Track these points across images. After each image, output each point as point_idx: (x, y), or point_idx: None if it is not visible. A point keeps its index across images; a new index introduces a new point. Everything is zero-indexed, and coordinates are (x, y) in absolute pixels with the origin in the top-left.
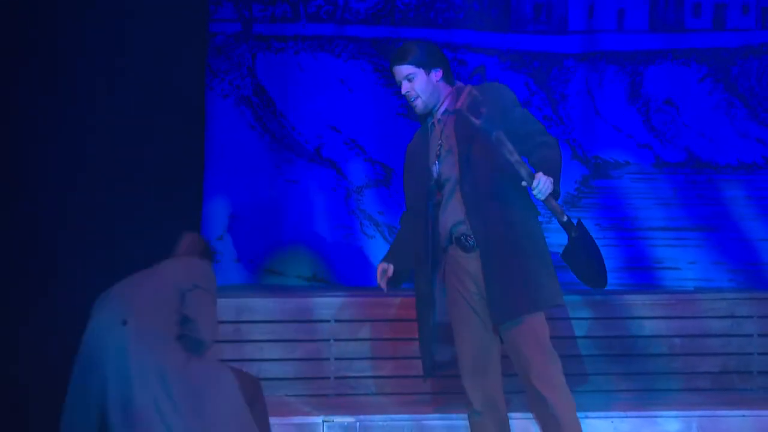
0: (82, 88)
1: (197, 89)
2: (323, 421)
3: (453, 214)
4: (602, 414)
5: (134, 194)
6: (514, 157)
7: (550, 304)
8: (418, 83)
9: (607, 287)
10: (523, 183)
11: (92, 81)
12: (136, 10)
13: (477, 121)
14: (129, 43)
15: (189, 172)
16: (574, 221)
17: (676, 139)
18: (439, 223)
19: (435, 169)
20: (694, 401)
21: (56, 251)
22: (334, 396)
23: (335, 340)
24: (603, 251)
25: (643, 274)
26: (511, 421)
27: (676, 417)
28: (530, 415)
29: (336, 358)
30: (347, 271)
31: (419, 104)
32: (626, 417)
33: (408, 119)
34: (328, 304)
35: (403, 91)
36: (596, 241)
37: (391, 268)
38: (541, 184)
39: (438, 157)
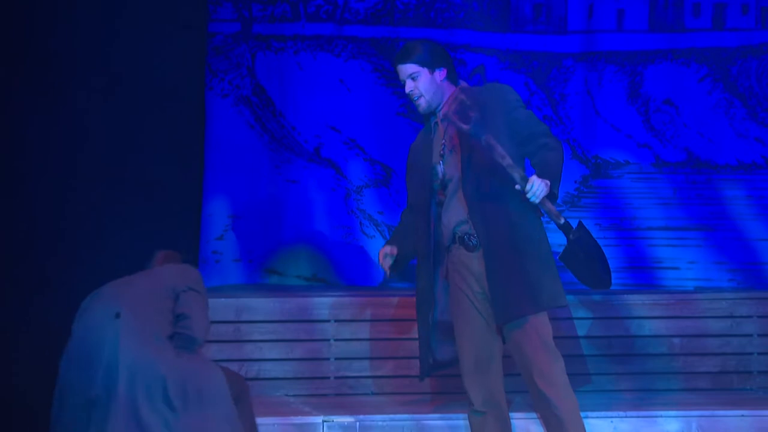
0: (81, 88)
1: (197, 89)
2: (323, 421)
3: (456, 213)
4: (602, 414)
5: (134, 194)
6: (506, 161)
7: (553, 304)
8: (421, 82)
9: (607, 288)
10: (517, 187)
11: (92, 81)
12: (135, 9)
13: (465, 127)
14: (128, 42)
15: (189, 172)
16: (575, 222)
17: (675, 138)
18: (442, 222)
19: (438, 168)
20: (694, 401)
21: (56, 251)
22: (334, 396)
23: (335, 340)
24: (603, 251)
25: (642, 274)
26: (512, 421)
27: (676, 417)
28: (531, 415)
29: (336, 358)
30: (347, 271)
31: (423, 103)
32: (626, 417)
33: (408, 119)
34: (328, 304)
35: (407, 90)
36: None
37: (395, 249)
38: (535, 188)
39: (441, 156)
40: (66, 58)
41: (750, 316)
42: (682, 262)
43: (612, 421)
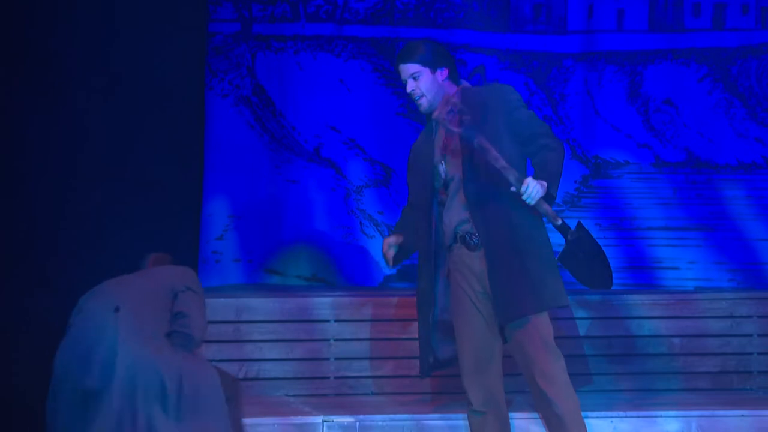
0: (81, 88)
1: (197, 89)
2: (323, 421)
3: (457, 212)
4: (602, 414)
5: (134, 194)
6: (500, 163)
7: (555, 303)
8: (423, 82)
9: (609, 288)
10: (512, 188)
11: (92, 81)
12: (135, 9)
13: (456, 130)
14: (128, 42)
15: (189, 172)
16: (574, 222)
17: (675, 138)
18: (444, 221)
19: (440, 168)
20: (694, 401)
21: (56, 251)
22: (334, 396)
23: (335, 340)
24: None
25: (642, 274)
26: (511, 421)
27: (676, 417)
28: (531, 414)
29: (336, 358)
30: (347, 271)
31: (424, 103)
32: (626, 417)
33: (408, 119)
34: (328, 304)
35: (408, 90)
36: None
37: (400, 237)
38: (530, 189)
39: (443, 156)
40: (66, 58)
41: (750, 316)
42: (682, 262)
43: (612, 421)
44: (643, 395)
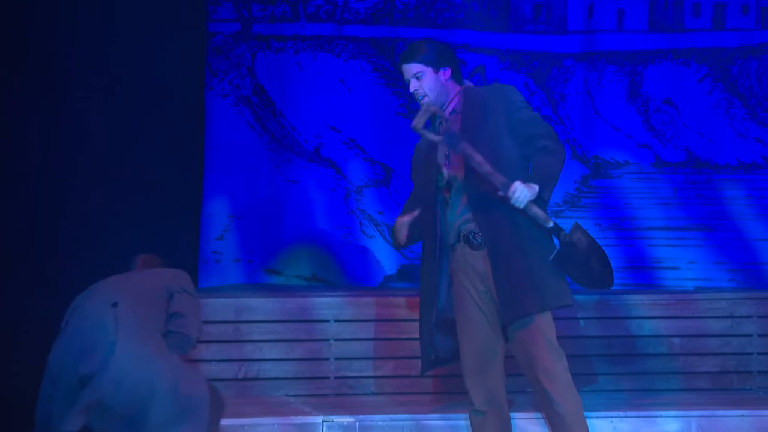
0: (81, 88)
1: (197, 89)
2: (323, 421)
3: (460, 212)
4: (602, 414)
5: (134, 194)
6: (485, 169)
7: (558, 303)
8: (426, 82)
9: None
10: (500, 193)
11: (92, 81)
12: (135, 9)
13: (437, 137)
14: (128, 42)
15: (189, 172)
16: (570, 224)
17: (675, 138)
18: (447, 220)
19: (443, 168)
20: (694, 401)
21: (56, 251)
22: (334, 396)
23: (335, 340)
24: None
25: (642, 273)
26: (512, 421)
27: (676, 417)
28: (531, 414)
29: (335, 358)
30: (347, 271)
31: (427, 103)
32: (626, 417)
33: (407, 119)
34: (328, 304)
35: (411, 90)
36: (596, 241)
37: (414, 214)
38: (517, 194)
39: (446, 156)
40: (66, 58)
41: (750, 316)
42: (682, 262)
43: (612, 421)
44: (643, 395)
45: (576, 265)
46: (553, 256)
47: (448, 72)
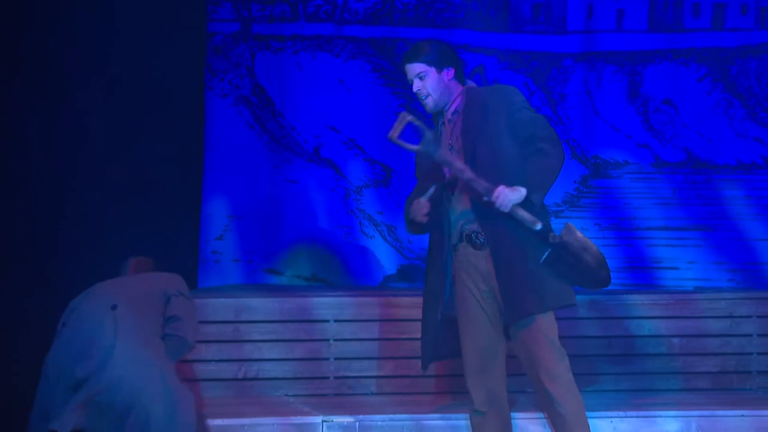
0: (81, 88)
1: (196, 89)
2: (322, 421)
3: (463, 212)
4: (602, 414)
5: (134, 194)
6: (466, 175)
7: (559, 303)
8: (429, 82)
9: (607, 287)
10: (484, 198)
11: (92, 81)
12: (135, 9)
13: (414, 147)
14: (128, 42)
15: (188, 172)
16: (574, 223)
17: (675, 138)
18: (450, 220)
19: (445, 169)
20: (694, 401)
21: (56, 251)
22: (334, 396)
23: (334, 340)
24: (602, 251)
25: (642, 273)
26: (513, 421)
27: (676, 417)
28: (531, 414)
29: (335, 358)
30: (347, 271)
31: (430, 102)
32: (625, 417)
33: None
34: (328, 304)
35: (414, 89)
36: (596, 241)
37: (431, 192)
38: (501, 198)
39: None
40: (66, 58)
41: (749, 316)
42: (682, 262)
43: (612, 421)
44: (643, 395)
45: (570, 267)
46: (543, 258)
47: (451, 72)
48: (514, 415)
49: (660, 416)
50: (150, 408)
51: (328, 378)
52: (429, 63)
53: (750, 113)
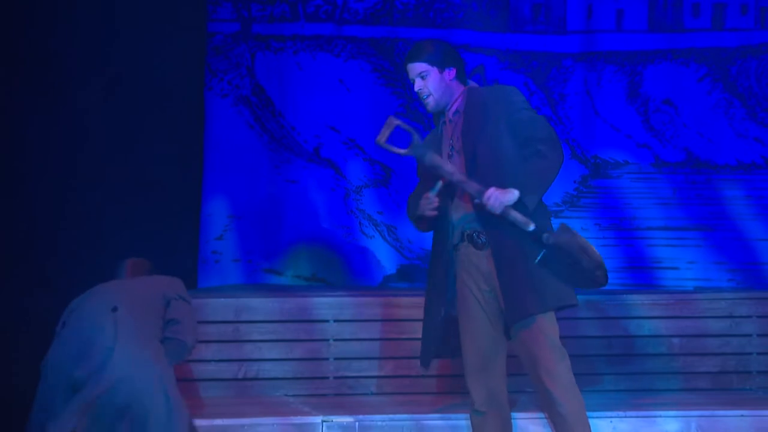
0: (81, 88)
1: (196, 89)
2: (322, 421)
3: (464, 212)
4: (601, 414)
5: (134, 194)
6: (456, 177)
7: (560, 304)
8: (430, 81)
9: (607, 287)
10: (475, 201)
11: (92, 81)
12: (135, 9)
13: (402, 151)
14: (128, 42)
15: (188, 172)
16: (574, 223)
17: (675, 138)
18: (451, 220)
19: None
20: (693, 401)
21: (56, 251)
22: (333, 396)
23: (334, 340)
24: (602, 251)
25: (642, 273)
26: (513, 421)
27: (675, 417)
28: (531, 414)
29: (335, 358)
30: (347, 271)
31: (431, 102)
32: (625, 417)
33: (407, 119)
34: (328, 304)
35: (416, 89)
36: (596, 241)
37: (440, 185)
38: (491, 201)
39: (449, 156)
40: (66, 58)
41: (749, 316)
42: (682, 262)
43: (611, 421)
44: (643, 395)
45: (565, 267)
46: (538, 259)
47: (453, 72)
48: (514, 415)
49: (660, 416)
50: (149, 409)
51: (327, 378)
52: (431, 62)
53: (750, 113)
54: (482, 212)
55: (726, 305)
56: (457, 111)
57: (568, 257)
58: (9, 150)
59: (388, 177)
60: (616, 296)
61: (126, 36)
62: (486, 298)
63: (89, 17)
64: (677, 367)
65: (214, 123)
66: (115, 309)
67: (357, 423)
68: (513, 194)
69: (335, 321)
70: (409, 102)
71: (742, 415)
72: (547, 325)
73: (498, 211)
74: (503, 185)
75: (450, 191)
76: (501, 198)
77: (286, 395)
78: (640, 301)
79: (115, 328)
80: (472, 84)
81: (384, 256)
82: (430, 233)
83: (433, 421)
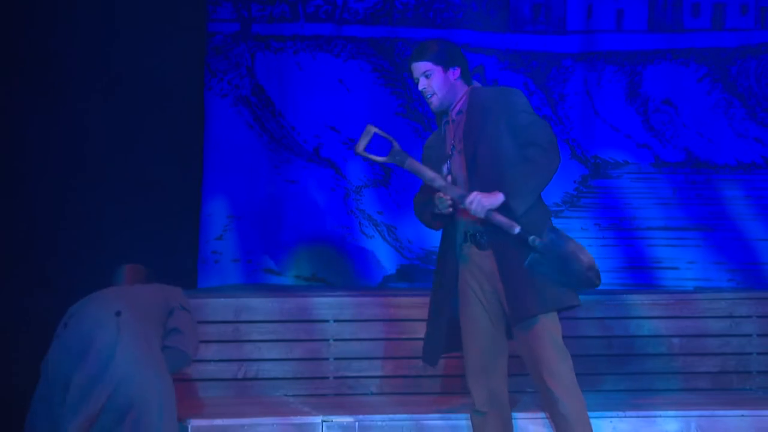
0: (81, 88)
1: (196, 89)
2: (322, 421)
3: (466, 211)
4: (601, 414)
5: (134, 194)
6: (437, 183)
7: (561, 304)
8: (435, 80)
9: (607, 287)
10: (460, 206)
11: (91, 81)
12: (135, 10)
13: (382, 159)
14: (128, 42)
15: (188, 172)
16: (574, 223)
17: (674, 138)
18: (455, 220)
19: (445, 168)
20: (693, 401)
21: (56, 251)
22: (333, 396)
23: (334, 340)
24: (602, 251)
25: (642, 273)
26: (514, 421)
27: (675, 417)
28: (531, 414)
29: (335, 358)
30: (346, 271)
31: (435, 101)
32: (625, 417)
33: (407, 119)
34: (327, 304)
35: (420, 88)
36: (596, 241)
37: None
38: (474, 205)
39: (450, 156)
40: (66, 58)
41: (749, 316)
42: (682, 262)
43: (611, 421)
44: (643, 395)
45: (554, 269)
46: (527, 261)
47: (457, 72)
48: (515, 415)
49: (660, 416)
50: (148, 410)
51: (327, 378)
52: (435, 62)
53: (750, 113)
54: None
55: (726, 305)
56: (460, 111)
57: (557, 259)
58: (9, 150)
59: (388, 177)
60: (616, 296)
61: (126, 36)
62: (488, 299)
63: (89, 17)
64: (677, 367)
65: (214, 123)
66: (118, 313)
67: (357, 423)
68: (497, 198)
69: (335, 321)
70: (409, 102)
71: (742, 415)
72: (550, 325)
73: (481, 215)
74: (503, 186)
75: None
76: (483, 202)
77: (286, 395)
78: (640, 301)
79: (118, 332)
80: (476, 84)
81: (384, 256)
82: (433, 233)
83: (433, 421)
